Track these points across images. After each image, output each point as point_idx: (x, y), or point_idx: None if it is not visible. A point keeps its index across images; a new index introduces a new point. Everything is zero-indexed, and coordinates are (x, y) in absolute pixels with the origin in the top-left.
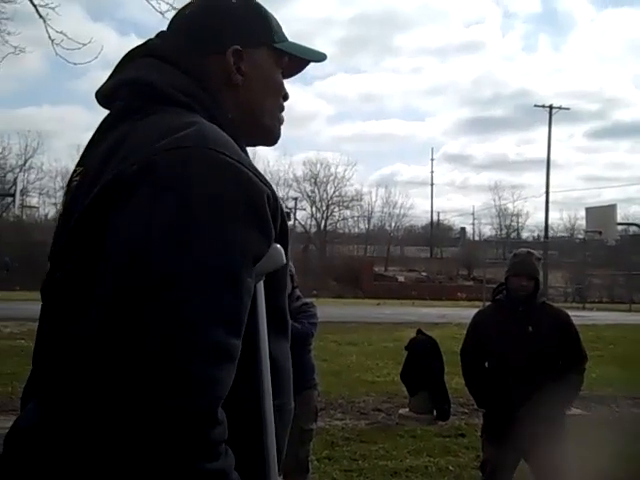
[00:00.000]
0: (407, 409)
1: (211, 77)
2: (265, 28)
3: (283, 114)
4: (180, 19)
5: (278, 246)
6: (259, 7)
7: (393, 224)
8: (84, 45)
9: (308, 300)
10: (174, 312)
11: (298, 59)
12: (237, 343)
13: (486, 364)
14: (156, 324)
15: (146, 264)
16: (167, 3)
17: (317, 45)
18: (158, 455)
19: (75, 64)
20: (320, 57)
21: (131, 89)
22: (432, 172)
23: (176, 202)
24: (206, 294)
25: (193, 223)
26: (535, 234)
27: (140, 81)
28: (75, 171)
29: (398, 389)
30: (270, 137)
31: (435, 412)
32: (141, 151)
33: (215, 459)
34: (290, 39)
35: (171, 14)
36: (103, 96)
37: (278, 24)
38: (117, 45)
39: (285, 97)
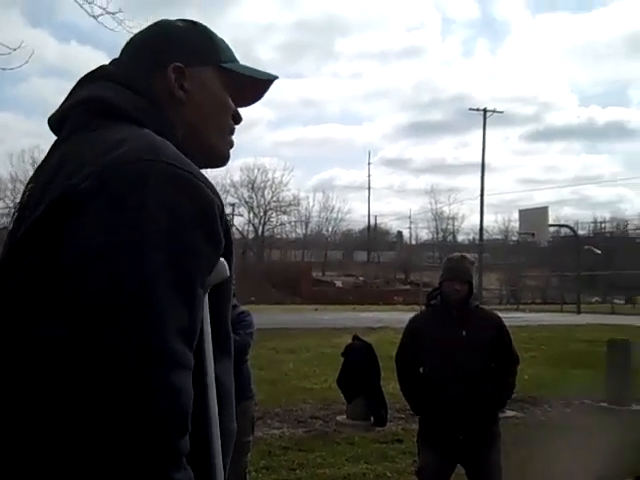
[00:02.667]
0: (344, 416)
1: (158, 95)
2: (211, 48)
3: (233, 137)
4: (130, 44)
5: (222, 259)
6: (205, 29)
7: (330, 229)
8: (14, 50)
9: (244, 308)
10: (133, 322)
11: (251, 83)
12: (191, 355)
13: (421, 369)
14: (115, 335)
15: (104, 276)
16: (100, 7)
17: (259, 51)
18: (130, 464)
19: (3, 69)
20: (270, 77)
21: (82, 107)
22: (369, 176)
23: (131, 215)
24: (165, 305)
25: (149, 235)
26: (470, 237)
27: (92, 99)
28: (26, 188)
29: (335, 395)
30: (217, 158)
31: (372, 418)
32: (92, 164)
33: (184, 469)
34: (232, 46)
35: (104, 18)
36: (55, 121)
37: (227, 47)
38: (57, 50)
39: (236, 119)
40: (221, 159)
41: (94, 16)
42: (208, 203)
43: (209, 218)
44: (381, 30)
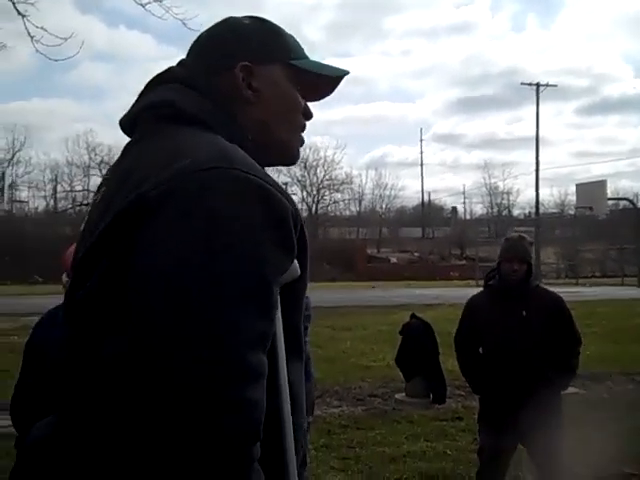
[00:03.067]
0: (403, 394)
1: (224, 95)
2: (279, 45)
3: (304, 135)
4: (196, 44)
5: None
6: (273, 26)
7: (384, 206)
8: (65, 40)
9: None
10: (209, 334)
11: (321, 79)
12: (265, 360)
13: (480, 350)
14: (191, 347)
15: (177, 286)
16: None
17: (305, 30)
18: (207, 475)
19: (56, 60)
20: (340, 72)
21: (151, 112)
22: (422, 152)
23: (200, 225)
24: (239, 314)
25: (218, 247)
26: (526, 211)
27: (161, 103)
28: (99, 189)
29: (394, 373)
30: (288, 155)
31: (431, 396)
32: (162, 171)
33: (256, 472)
34: (280, 24)
35: (152, 7)
36: (126, 124)
37: (296, 42)
38: (107, 36)
39: (307, 115)
40: (292, 157)
41: (142, 4)
42: (282, 210)
43: (283, 226)
44: (430, 7)
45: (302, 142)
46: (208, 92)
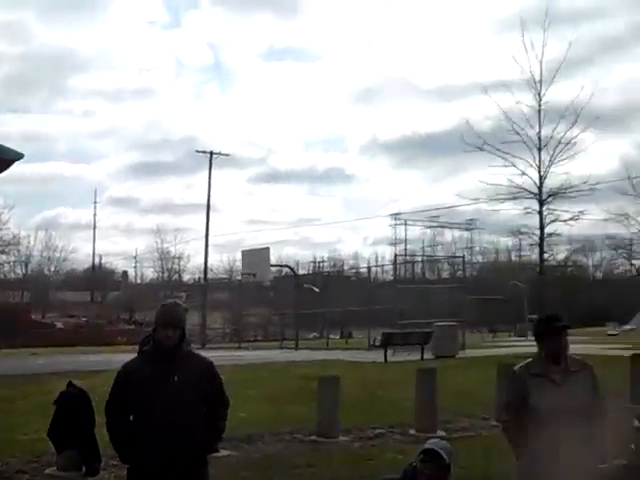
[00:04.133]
0: (54, 468)
1: None
2: None
3: None
4: None
5: None
6: None
7: (53, 268)
8: None
9: None
10: None
11: None
12: None
13: (131, 417)
14: None
15: None
16: None
17: None
18: None
19: None
20: (15, 156)
21: None
22: (95, 215)
23: None
24: None
25: None
26: (196, 276)
27: None
28: None
29: (47, 447)
30: None
31: (84, 468)
32: None
33: None
34: None
35: None
36: None
37: None
38: None
39: None
40: None
41: None
42: None
43: None
44: (115, 69)
45: None
46: None
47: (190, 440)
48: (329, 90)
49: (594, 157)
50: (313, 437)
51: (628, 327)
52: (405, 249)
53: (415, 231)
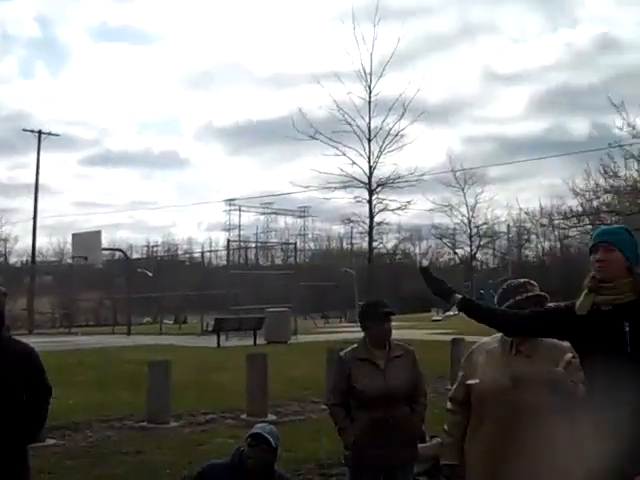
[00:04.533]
0: None
1: None
2: None
3: None
4: None
5: None
6: None
7: None
8: None
9: None
10: None
11: None
12: None
13: None
14: None
15: None
16: None
17: None
18: None
19: None
20: None
21: None
22: None
23: None
24: None
25: None
26: (24, 259)
27: None
28: None
29: None
30: None
31: None
32: None
33: None
34: None
35: None
36: None
37: None
38: None
39: None
40: None
41: None
42: None
43: None
44: None
45: None
46: None
47: (7, 430)
48: (164, 73)
49: (421, 149)
50: (143, 423)
51: (451, 313)
52: (239, 235)
53: (249, 217)
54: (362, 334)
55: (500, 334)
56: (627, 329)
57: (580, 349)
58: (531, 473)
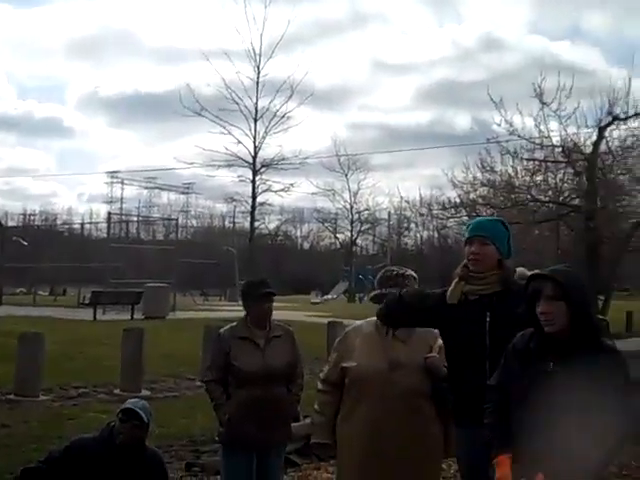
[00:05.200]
0: None
1: None
2: None
3: None
4: None
5: None
6: None
7: None
8: None
9: None
10: None
11: None
12: None
13: None
14: None
15: None
16: None
17: None
18: None
19: None
20: None
21: None
22: None
23: None
24: None
25: None
26: None
27: None
28: None
29: None
30: None
31: None
32: None
33: None
34: None
35: None
36: None
37: None
38: None
39: None
40: None
41: None
42: None
43: None
44: None
45: None
46: None
47: None
48: (50, 38)
49: (307, 133)
50: (10, 396)
51: (330, 296)
52: (121, 208)
53: (132, 191)
54: (241, 313)
55: (374, 317)
56: (488, 319)
57: (445, 337)
58: (404, 454)
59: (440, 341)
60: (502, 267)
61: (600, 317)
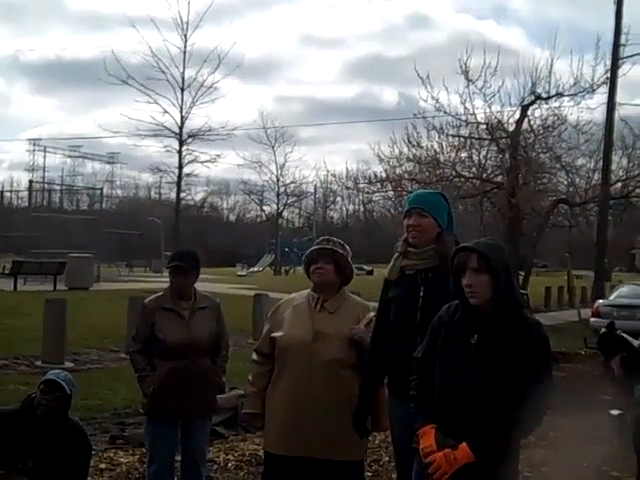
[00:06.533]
0: None
1: None
2: None
3: None
4: None
5: None
6: None
7: None
8: None
9: None
10: None
11: None
12: None
13: None
14: None
15: None
16: None
17: None
18: None
19: None
20: None
21: None
22: None
23: None
24: None
25: None
26: None
27: None
28: None
29: None
30: None
31: None
32: None
33: None
34: None
35: None
36: None
37: None
38: None
39: None
40: None
41: None
42: None
43: None
44: None
45: None
46: None
47: None
48: None
49: (234, 105)
50: None
51: (255, 269)
52: (43, 177)
53: (55, 159)
54: (166, 284)
55: (308, 290)
56: (421, 294)
57: (387, 312)
58: (324, 422)
59: (372, 314)
60: (440, 241)
61: (521, 291)
